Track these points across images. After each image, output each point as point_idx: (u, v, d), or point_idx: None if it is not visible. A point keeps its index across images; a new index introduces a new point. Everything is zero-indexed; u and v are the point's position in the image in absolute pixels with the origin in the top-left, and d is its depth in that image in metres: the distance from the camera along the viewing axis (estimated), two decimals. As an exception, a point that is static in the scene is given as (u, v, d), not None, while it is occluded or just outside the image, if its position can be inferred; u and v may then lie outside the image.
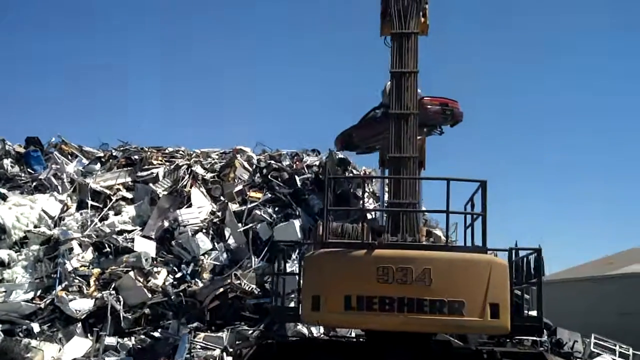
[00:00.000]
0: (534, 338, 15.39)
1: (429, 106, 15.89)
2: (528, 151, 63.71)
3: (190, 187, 19.27)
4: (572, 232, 62.71)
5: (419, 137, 10.77)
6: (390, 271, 8.65)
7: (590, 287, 28.99)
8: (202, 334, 14.87)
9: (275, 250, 13.02)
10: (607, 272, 30.17)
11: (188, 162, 20.58)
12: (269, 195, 18.72)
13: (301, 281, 9.67)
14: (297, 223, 16.95)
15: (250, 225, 17.57)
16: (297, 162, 20.60)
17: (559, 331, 17.94)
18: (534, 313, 17.57)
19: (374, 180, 20.50)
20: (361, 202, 14.41)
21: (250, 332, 14.82)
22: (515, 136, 67.01)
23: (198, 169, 20.28)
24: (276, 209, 18.15)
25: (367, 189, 21.04)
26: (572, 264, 37.38)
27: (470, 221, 9.75)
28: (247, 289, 15.80)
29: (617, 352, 18.68)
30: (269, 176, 19.38)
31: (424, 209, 10.99)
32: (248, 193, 18.86)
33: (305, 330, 14.06)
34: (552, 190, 64.71)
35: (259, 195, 18.78)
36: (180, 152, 21.83)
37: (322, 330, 13.87)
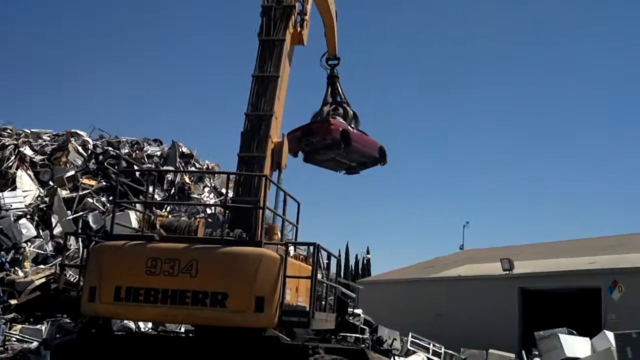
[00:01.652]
0: (357, 335, 16.19)
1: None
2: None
3: (16, 169, 17.96)
4: (405, 235, 66.76)
5: (278, 140, 10.92)
6: (158, 263, 8.77)
7: (410, 288, 30.85)
8: (19, 326, 13.94)
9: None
10: (427, 275, 32.31)
11: (15, 142, 19.16)
12: (104, 183, 17.97)
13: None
14: (132, 214, 16.44)
15: (81, 213, 16.72)
16: (137, 151, 19.97)
17: (380, 329, 18.97)
18: (358, 311, 18.53)
19: (215, 175, 20.42)
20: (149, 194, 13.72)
21: (73, 325, 14.12)
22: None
23: (26, 151, 18.98)
24: (110, 198, 17.46)
25: (208, 184, 20.95)
26: (401, 265, 39.75)
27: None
28: (72, 280, 15.03)
29: (430, 351, 20.17)
30: (105, 163, 18.58)
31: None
32: (81, 179, 17.96)
33: (132, 325, 13.68)
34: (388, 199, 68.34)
35: (93, 182, 17.96)
36: (8, 131, 20.25)
37: (150, 325, 13.58)
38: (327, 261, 11.47)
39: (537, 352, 19.73)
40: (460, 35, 78.81)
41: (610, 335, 17.71)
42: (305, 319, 9.11)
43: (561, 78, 75.33)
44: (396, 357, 17.60)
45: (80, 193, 17.34)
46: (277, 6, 11.51)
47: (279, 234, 10.38)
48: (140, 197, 13.36)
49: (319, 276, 10.61)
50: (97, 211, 16.88)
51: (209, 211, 18.79)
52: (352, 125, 15.17)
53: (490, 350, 20.65)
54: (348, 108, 15.29)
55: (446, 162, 75.13)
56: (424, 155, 71.41)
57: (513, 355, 20.38)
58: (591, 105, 70.45)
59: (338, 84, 15.48)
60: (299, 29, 11.83)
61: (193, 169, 20.98)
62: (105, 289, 8.86)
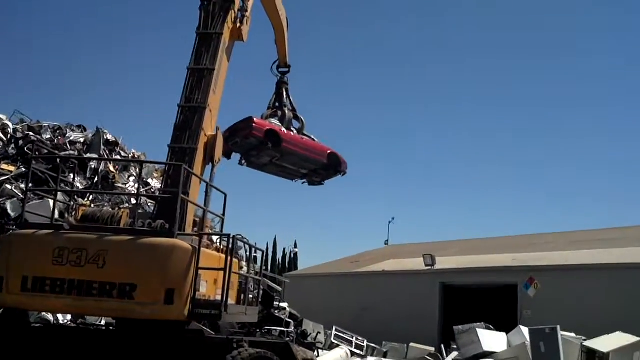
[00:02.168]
0: (282, 329, 16.25)
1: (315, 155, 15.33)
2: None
3: None
4: (332, 230, 67.43)
5: (212, 133, 10.80)
6: (66, 253, 8.66)
7: (335, 282, 31.18)
8: None
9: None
10: (352, 269, 32.73)
11: None
12: (24, 169, 17.24)
13: None
14: (52, 202, 15.85)
15: (-2, 200, 16.00)
16: (60, 137, 19.27)
17: (304, 323, 19.12)
18: (284, 304, 18.57)
19: (143, 165, 19.97)
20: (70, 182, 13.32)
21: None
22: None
23: (-62, 133, 17.99)
24: (30, 185, 16.77)
25: (133, 173, 20.46)
26: (328, 260, 40.10)
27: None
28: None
29: (353, 344, 20.47)
30: (26, 149, 17.82)
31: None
32: (-1, 165, 17.17)
33: (50, 317, 13.23)
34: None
35: (12, 168, 17.18)
36: None
37: (69, 317, 13.17)
38: (254, 254, 11.47)
39: (455, 346, 20.32)
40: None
41: (525, 330, 18.43)
42: (217, 312, 8.98)
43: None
44: (320, 351, 17.76)
45: (-2, 179, 16.59)
46: (216, 1, 11.42)
47: (210, 228, 10.29)
48: (61, 185, 12.91)
49: (244, 269, 10.58)
50: (15, 198, 16.17)
51: (133, 201, 18.37)
52: (294, 129, 15.10)
53: (411, 344, 21.15)
54: (287, 111, 15.19)
55: (376, 159, 76.33)
56: (353, 151, 72.37)
57: (432, 349, 20.93)
58: (500, 115, 73.15)
59: (285, 91, 15.42)
60: (238, 24, 11.75)
61: (118, 157, 20.44)
62: (13, 279, 8.68)
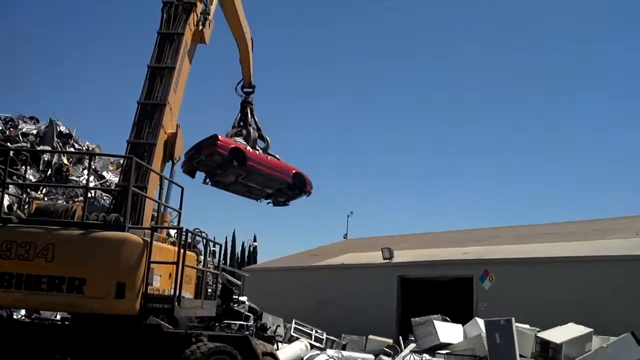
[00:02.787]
0: (242, 322, 16.18)
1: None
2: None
3: None
4: (291, 223, 67.49)
5: (172, 131, 10.78)
6: (14, 247, 8.53)
7: (295, 276, 31.16)
8: None
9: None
10: (311, 263, 32.77)
11: None
12: (-26, 161, 16.68)
13: None
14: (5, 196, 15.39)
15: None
16: (12, 129, 18.76)
17: (264, 316, 19.07)
18: (243, 298, 18.49)
19: (96, 157, 19.60)
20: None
21: None
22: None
23: None
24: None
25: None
26: (287, 253, 40.08)
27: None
28: None
29: (313, 337, 20.52)
30: (-24, 141, 17.30)
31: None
32: (-53, 157, 16.58)
33: (3, 312, 12.88)
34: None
35: (-39, 160, 16.63)
36: None
37: (23, 312, 12.86)
38: (213, 248, 11.40)
39: (413, 338, 20.55)
40: None
41: (480, 322, 18.75)
42: (169, 306, 8.93)
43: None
44: (279, 344, 17.75)
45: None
46: (178, 2, 11.44)
47: (168, 222, 10.21)
48: (14, 178, 12.57)
49: (200, 263, 10.49)
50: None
51: (89, 195, 18.03)
52: (259, 149, 15.15)
53: (370, 336, 21.29)
54: (252, 130, 15.25)
55: (331, 153, 76.54)
56: (309, 143, 72.55)
57: (391, 341, 21.11)
58: (456, 104, 74.31)
59: (250, 111, 15.52)
60: (200, 27, 11.78)
61: (71, 149, 20.01)
62: None
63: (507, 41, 73.20)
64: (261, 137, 15.46)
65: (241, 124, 15.37)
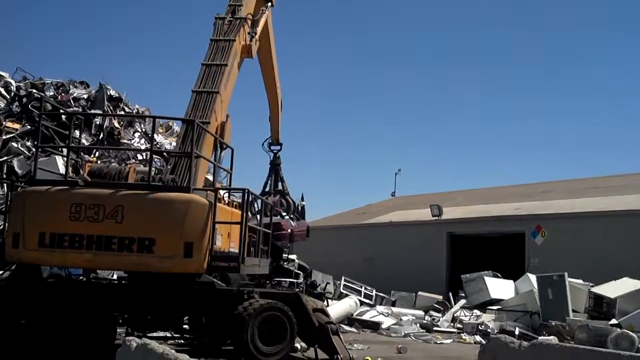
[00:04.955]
0: (292, 280, 16.40)
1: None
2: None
3: None
4: (338, 182, 67.77)
5: (223, 120, 11.20)
6: (83, 209, 8.73)
7: (343, 234, 31.35)
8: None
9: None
10: (359, 221, 32.89)
11: None
12: (29, 127, 17.16)
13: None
14: (59, 159, 15.83)
15: (5, 158, 15.99)
16: (63, 94, 19.14)
17: (314, 274, 19.29)
18: (293, 256, 18.70)
19: (146, 120, 19.89)
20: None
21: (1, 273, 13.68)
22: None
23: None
24: (36, 142, 16.73)
25: (138, 129, 20.39)
26: (335, 212, 40.21)
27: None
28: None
29: (362, 293, 20.72)
30: (30, 106, 17.71)
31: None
32: (4, 123, 17.08)
33: (62, 272, 13.35)
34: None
35: (17, 126, 17.12)
36: None
37: (80, 272, 13.29)
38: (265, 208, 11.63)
39: (463, 294, 20.54)
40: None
41: (532, 277, 18.60)
42: (235, 264, 9.26)
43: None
44: (329, 300, 17.97)
45: (4, 137, 16.51)
46: (231, 18, 12.33)
47: (219, 184, 10.45)
48: (67, 141, 12.92)
49: (253, 223, 10.66)
50: (22, 156, 16.15)
51: (140, 157, 18.35)
52: (292, 216, 16.27)
53: (419, 293, 21.39)
54: (290, 199, 16.54)
55: (379, 112, 75.71)
56: (356, 103, 71.86)
57: (440, 297, 21.17)
58: (502, 69, 72.11)
59: (279, 171, 16.61)
60: (248, 42, 12.45)
61: (122, 113, 20.33)
62: (29, 235, 8.78)
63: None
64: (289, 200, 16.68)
65: (273, 188, 16.49)
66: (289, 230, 15.41)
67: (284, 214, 15.86)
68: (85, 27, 67.23)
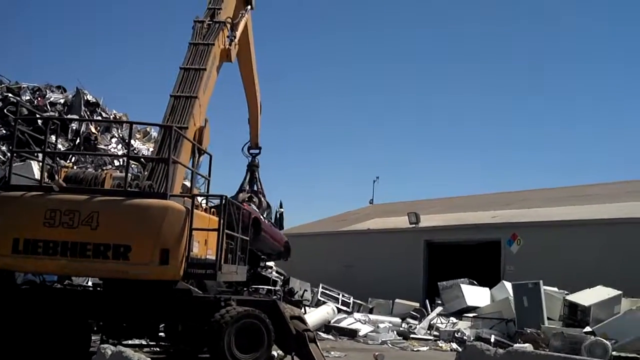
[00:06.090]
0: (269, 287, 16.37)
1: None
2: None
3: None
4: (317, 190, 67.82)
5: (201, 125, 11.09)
6: (57, 215, 8.66)
7: (321, 241, 31.37)
8: None
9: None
10: (338, 228, 32.93)
11: None
12: (4, 131, 16.97)
13: None
14: (34, 164, 15.64)
15: (-21, 163, 15.77)
16: (39, 99, 18.94)
17: (291, 281, 19.27)
18: (271, 263, 18.61)
19: (123, 125, 19.76)
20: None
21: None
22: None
23: None
24: (11, 147, 16.50)
25: (115, 134, 20.25)
26: (313, 219, 40.22)
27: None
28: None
29: (340, 301, 20.73)
30: (5, 110, 17.52)
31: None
32: (-22, 127, 16.88)
33: (37, 279, 13.18)
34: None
35: (-9, 130, 16.92)
36: None
37: (55, 278, 13.14)
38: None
39: (440, 301, 20.65)
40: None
41: (508, 285, 18.76)
42: (212, 271, 9.22)
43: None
44: (307, 308, 17.95)
45: (-22, 142, 16.33)
46: (210, 21, 12.20)
47: (197, 190, 10.36)
48: (43, 146, 12.80)
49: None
50: (-5, 161, 15.98)
51: (116, 163, 18.23)
52: (264, 216, 15.87)
53: (397, 300, 21.44)
54: (263, 199, 16.15)
55: (358, 119, 75.94)
56: (334, 108, 71.95)
57: (417, 304, 21.25)
58: (490, 74, 72.87)
59: (257, 173, 16.38)
60: (227, 46, 12.36)
61: (99, 118, 20.18)
62: (3, 241, 8.69)
63: None
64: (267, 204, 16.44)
65: (248, 188, 16.13)
66: (253, 216, 14.65)
67: (254, 207, 15.42)
68: (64, 32, 66.60)
